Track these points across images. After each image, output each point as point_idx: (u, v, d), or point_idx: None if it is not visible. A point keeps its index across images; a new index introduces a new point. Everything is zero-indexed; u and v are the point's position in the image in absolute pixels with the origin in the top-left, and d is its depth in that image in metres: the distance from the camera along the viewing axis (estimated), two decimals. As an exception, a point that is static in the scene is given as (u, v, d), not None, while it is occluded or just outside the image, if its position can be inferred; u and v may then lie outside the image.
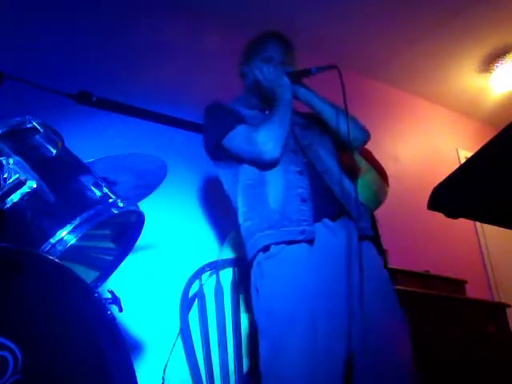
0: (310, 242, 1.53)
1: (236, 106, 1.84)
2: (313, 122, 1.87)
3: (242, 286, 1.92)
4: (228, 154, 1.73)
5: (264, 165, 1.64)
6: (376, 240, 1.71)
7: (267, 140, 1.62)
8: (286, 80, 1.76)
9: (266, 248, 1.55)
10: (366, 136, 1.83)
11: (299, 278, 1.49)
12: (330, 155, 1.78)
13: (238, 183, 1.71)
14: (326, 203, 1.62)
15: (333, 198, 1.64)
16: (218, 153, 1.76)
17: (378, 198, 2.27)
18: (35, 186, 1.11)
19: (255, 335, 1.55)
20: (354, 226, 1.61)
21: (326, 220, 1.59)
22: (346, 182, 1.73)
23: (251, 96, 1.91)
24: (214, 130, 1.76)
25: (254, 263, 1.58)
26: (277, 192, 1.61)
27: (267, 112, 1.79)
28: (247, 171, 1.69)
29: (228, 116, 1.75)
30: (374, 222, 2.21)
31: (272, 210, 1.58)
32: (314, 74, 1.75)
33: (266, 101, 1.82)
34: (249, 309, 1.86)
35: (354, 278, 1.51)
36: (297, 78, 1.80)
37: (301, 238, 1.52)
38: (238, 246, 2.02)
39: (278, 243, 1.53)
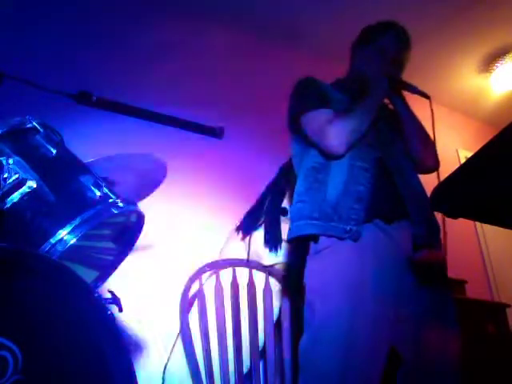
0: (355, 240, 1.52)
1: (330, 86, 1.82)
2: (403, 114, 1.85)
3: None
4: (301, 130, 1.72)
5: (328, 157, 1.64)
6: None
7: (337, 135, 1.61)
8: (385, 81, 1.74)
9: (315, 238, 1.56)
10: (436, 166, 1.85)
11: (340, 273, 1.49)
12: (407, 156, 1.77)
13: (304, 162, 1.72)
14: (385, 204, 1.60)
15: (396, 199, 1.62)
16: (294, 125, 1.75)
17: None
18: (35, 186, 1.11)
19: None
20: (411, 231, 1.59)
21: (378, 221, 1.57)
22: (418, 186, 1.73)
23: (351, 79, 1.88)
24: (296, 104, 1.76)
25: (310, 253, 1.59)
26: (337, 184, 1.60)
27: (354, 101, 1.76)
28: (314, 153, 1.68)
29: (314, 94, 1.73)
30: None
31: (326, 202, 1.57)
32: (411, 92, 1.78)
33: (360, 90, 1.78)
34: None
35: (404, 285, 1.51)
36: (396, 84, 1.80)
37: (345, 236, 1.52)
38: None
39: (329, 236, 1.54)
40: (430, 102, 1.71)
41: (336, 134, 1.61)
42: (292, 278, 2.02)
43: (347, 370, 1.39)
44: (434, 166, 1.84)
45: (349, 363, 1.39)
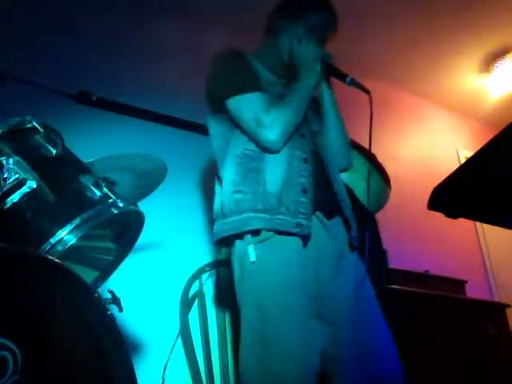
0: (304, 237, 1.44)
1: (256, 62, 1.66)
2: (327, 104, 1.72)
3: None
4: (227, 113, 1.57)
5: (262, 149, 1.52)
6: (361, 252, 1.61)
7: (275, 128, 1.49)
8: (318, 67, 1.60)
9: (257, 232, 1.43)
10: (346, 165, 1.74)
11: (292, 270, 1.40)
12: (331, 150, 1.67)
13: (231, 146, 1.58)
14: (325, 198, 1.53)
15: (332, 193, 1.55)
16: (217, 105, 1.60)
17: (380, 201, 2.27)
18: (35, 186, 1.11)
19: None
20: (345, 229, 1.55)
21: (321, 216, 1.50)
22: (342, 182, 1.65)
23: (275, 57, 1.71)
24: (222, 82, 1.59)
25: (241, 244, 1.46)
26: (276, 174, 1.48)
27: (284, 82, 1.65)
28: (244, 138, 1.55)
29: (243, 73, 1.58)
30: (373, 225, 2.20)
31: (269, 193, 1.45)
32: (345, 83, 1.61)
33: (287, 70, 1.68)
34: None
35: (345, 286, 1.47)
36: (328, 71, 1.66)
37: (296, 231, 1.42)
38: None
39: (268, 230, 1.43)
40: (370, 97, 1.56)
41: (273, 126, 1.49)
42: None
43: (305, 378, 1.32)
44: (346, 167, 1.74)
45: (307, 372, 1.33)
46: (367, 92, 1.58)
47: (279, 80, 1.68)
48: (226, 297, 1.91)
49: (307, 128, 1.61)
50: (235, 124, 1.57)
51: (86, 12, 2.52)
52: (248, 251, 1.42)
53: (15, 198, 1.09)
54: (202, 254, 2.22)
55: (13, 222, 1.11)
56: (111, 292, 1.20)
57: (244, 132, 1.55)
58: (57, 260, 1.01)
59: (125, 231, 1.32)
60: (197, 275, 1.91)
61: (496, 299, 3.47)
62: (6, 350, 0.86)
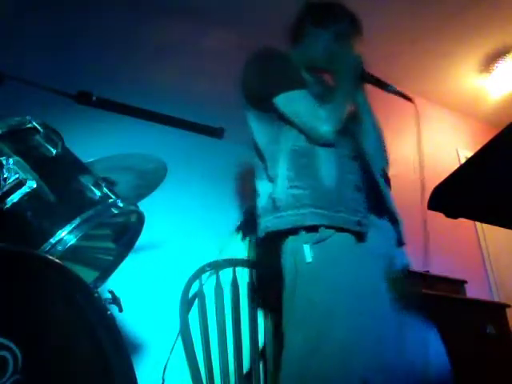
0: (360, 235, 1.43)
1: (293, 62, 1.69)
2: (362, 106, 1.79)
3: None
4: (275, 111, 1.59)
5: (317, 142, 1.52)
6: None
7: (331, 120, 1.51)
8: (356, 73, 1.64)
9: (314, 228, 1.42)
10: (385, 165, 1.77)
11: (346, 269, 1.39)
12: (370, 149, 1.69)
13: (280, 143, 1.58)
14: (374, 197, 1.53)
15: (378, 191, 1.56)
16: (261, 103, 1.63)
17: None
18: (35, 186, 1.11)
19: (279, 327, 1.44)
20: (393, 228, 1.56)
21: (372, 215, 1.50)
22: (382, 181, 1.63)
23: (305, 60, 1.74)
24: (269, 80, 1.61)
25: (295, 240, 1.44)
26: (329, 171, 1.48)
27: (321, 81, 1.67)
28: (293, 135, 1.56)
29: (289, 72, 1.61)
30: None
31: (327, 188, 1.45)
32: (387, 91, 1.67)
33: (318, 73, 1.71)
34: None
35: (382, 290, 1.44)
36: (367, 79, 1.70)
37: (357, 229, 1.41)
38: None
39: (328, 227, 1.41)
40: (415, 105, 1.62)
41: (329, 118, 1.51)
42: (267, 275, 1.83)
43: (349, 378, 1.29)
44: (384, 167, 1.77)
45: (351, 372, 1.29)
46: (410, 100, 1.65)
47: (318, 81, 1.70)
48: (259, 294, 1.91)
49: (347, 127, 1.62)
50: (284, 121, 1.58)
51: (86, 12, 2.52)
52: (304, 250, 1.41)
53: (15, 198, 1.09)
54: (202, 254, 2.22)
55: (13, 222, 1.11)
56: (111, 292, 1.20)
57: (296, 127, 1.55)
58: (57, 260, 1.01)
59: (125, 231, 1.32)
60: (197, 275, 1.91)
61: (496, 299, 3.47)
62: (6, 350, 0.85)
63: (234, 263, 1.98)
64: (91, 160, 1.34)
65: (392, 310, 1.42)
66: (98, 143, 2.11)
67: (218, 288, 1.90)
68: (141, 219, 1.30)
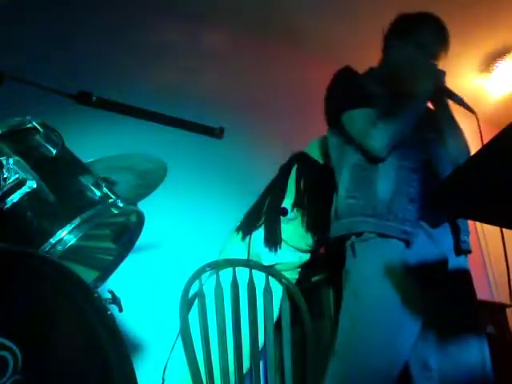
0: (407, 242, 1.52)
1: (366, 78, 1.79)
2: (444, 116, 1.82)
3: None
4: (342, 127, 1.71)
5: (369, 159, 1.62)
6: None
7: (381, 139, 1.59)
8: (430, 86, 1.70)
9: (360, 233, 1.56)
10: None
11: (388, 267, 1.49)
12: (449, 158, 1.73)
13: (345, 157, 1.70)
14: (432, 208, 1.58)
15: None
16: (334, 120, 1.74)
17: None
18: (35, 186, 1.11)
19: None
20: (453, 238, 1.62)
21: (425, 225, 1.57)
22: None
23: (387, 72, 1.82)
24: (337, 99, 1.75)
25: (347, 244, 1.60)
26: (386, 184, 1.58)
27: (395, 93, 1.70)
28: (357, 151, 1.66)
29: (355, 90, 1.71)
30: None
31: (379, 200, 1.56)
32: (454, 102, 1.75)
33: (397, 84, 1.75)
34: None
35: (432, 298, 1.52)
36: (441, 91, 1.74)
37: (403, 237, 1.51)
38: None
39: (371, 232, 1.54)
40: (477, 118, 1.68)
41: (379, 137, 1.59)
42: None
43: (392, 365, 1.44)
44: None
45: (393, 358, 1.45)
46: (473, 112, 1.71)
47: (386, 94, 1.74)
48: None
49: (419, 138, 1.67)
50: (348, 138, 1.69)
51: (86, 12, 2.52)
52: (349, 248, 1.59)
53: (15, 198, 1.09)
54: (202, 254, 2.22)
55: (13, 222, 1.11)
56: (111, 292, 1.20)
57: (354, 144, 1.67)
58: (57, 260, 1.01)
59: (125, 231, 1.32)
60: (197, 275, 1.91)
61: (496, 299, 3.47)
62: (6, 350, 0.85)
63: (233, 263, 1.98)
64: (91, 160, 1.34)
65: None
66: (98, 143, 2.11)
67: (218, 288, 1.90)
68: (141, 219, 1.30)
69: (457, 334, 1.53)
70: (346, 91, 1.74)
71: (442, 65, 1.79)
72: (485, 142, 0.99)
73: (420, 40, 1.77)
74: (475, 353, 1.54)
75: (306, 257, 2.14)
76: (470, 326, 1.57)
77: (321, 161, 2.20)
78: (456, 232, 1.63)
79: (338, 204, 1.67)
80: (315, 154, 2.22)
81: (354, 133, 1.66)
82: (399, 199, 1.55)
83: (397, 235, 1.51)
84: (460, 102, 1.74)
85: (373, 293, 1.49)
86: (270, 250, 2.04)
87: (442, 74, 1.74)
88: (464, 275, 1.65)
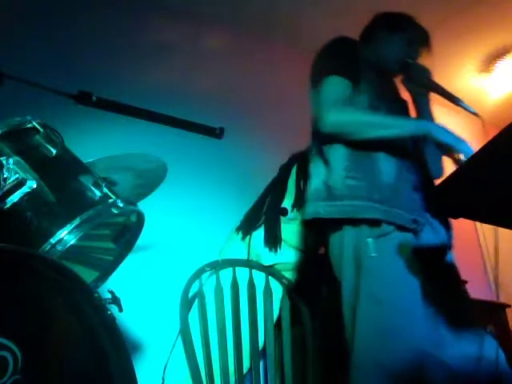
0: (416, 233, 1.43)
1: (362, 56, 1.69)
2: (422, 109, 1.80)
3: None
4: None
5: (313, 125, 1.57)
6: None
7: (336, 117, 1.50)
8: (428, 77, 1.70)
9: (377, 223, 1.41)
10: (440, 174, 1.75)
11: (410, 267, 1.39)
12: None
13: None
14: (431, 197, 1.51)
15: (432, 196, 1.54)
16: (317, 80, 1.63)
17: None
18: (35, 186, 1.11)
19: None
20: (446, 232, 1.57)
21: (427, 214, 1.49)
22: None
23: (383, 59, 1.75)
24: (324, 60, 1.66)
25: (355, 232, 1.44)
26: (389, 165, 1.47)
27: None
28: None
29: (347, 59, 1.62)
30: None
31: (384, 183, 1.44)
32: (455, 104, 1.73)
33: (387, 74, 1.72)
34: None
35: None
36: (434, 90, 1.75)
37: (412, 226, 1.41)
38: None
39: (389, 223, 1.41)
40: (483, 121, 1.59)
41: (338, 115, 1.50)
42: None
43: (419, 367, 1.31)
44: (437, 177, 1.75)
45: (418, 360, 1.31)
46: (476, 115, 1.65)
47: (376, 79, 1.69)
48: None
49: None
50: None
51: (86, 12, 2.52)
52: (368, 244, 1.40)
53: (15, 198, 1.09)
54: (202, 254, 2.22)
55: (13, 222, 1.11)
56: (111, 292, 1.20)
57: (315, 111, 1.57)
58: (57, 260, 1.01)
59: (125, 231, 1.32)
60: (197, 275, 1.91)
61: (496, 299, 3.47)
62: (6, 350, 0.86)
63: (233, 263, 1.98)
64: (91, 160, 1.34)
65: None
66: (98, 143, 2.11)
67: (218, 288, 1.90)
68: (141, 219, 1.30)
69: (455, 327, 1.48)
70: (339, 54, 1.65)
71: (442, 65, 1.80)
72: (484, 142, 0.99)
73: (410, 36, 1.78)
74: (473, 347, 1.50)
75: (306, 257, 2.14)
76: (467, 321, 1.53)
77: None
78: (448, 226, 1.58)
79: (332, 182, 1.49)
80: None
81: (322, 98, 1.54)
82: (404, 185, 1.46)
83: (406, 224, 1.41)
84: (460, 103, 1.73)
85: (401, 301, 1.36)
86: (270, 250, 2.04)
87: (429, 73, 1.76)
88: (455, 269, 1.60)
